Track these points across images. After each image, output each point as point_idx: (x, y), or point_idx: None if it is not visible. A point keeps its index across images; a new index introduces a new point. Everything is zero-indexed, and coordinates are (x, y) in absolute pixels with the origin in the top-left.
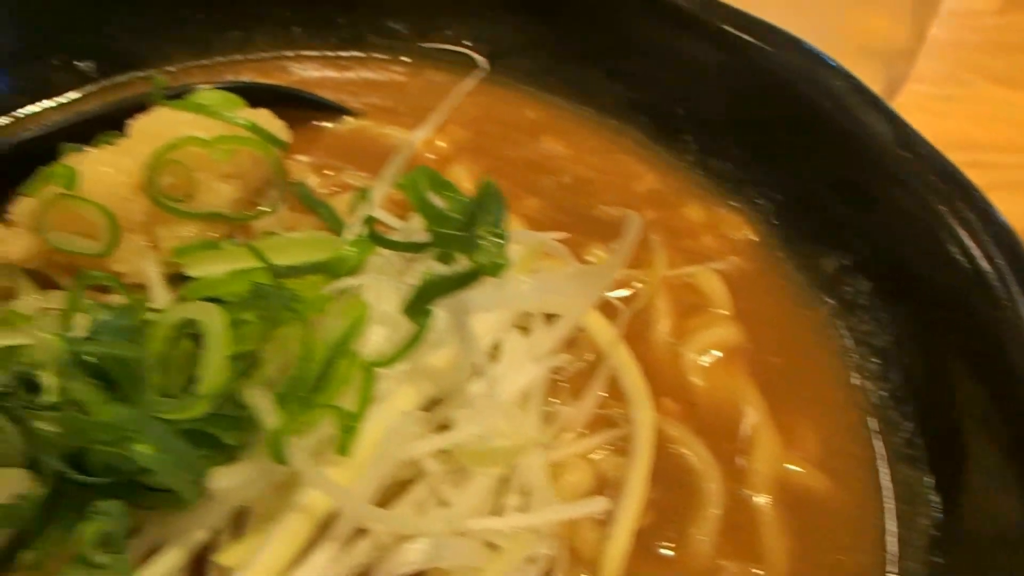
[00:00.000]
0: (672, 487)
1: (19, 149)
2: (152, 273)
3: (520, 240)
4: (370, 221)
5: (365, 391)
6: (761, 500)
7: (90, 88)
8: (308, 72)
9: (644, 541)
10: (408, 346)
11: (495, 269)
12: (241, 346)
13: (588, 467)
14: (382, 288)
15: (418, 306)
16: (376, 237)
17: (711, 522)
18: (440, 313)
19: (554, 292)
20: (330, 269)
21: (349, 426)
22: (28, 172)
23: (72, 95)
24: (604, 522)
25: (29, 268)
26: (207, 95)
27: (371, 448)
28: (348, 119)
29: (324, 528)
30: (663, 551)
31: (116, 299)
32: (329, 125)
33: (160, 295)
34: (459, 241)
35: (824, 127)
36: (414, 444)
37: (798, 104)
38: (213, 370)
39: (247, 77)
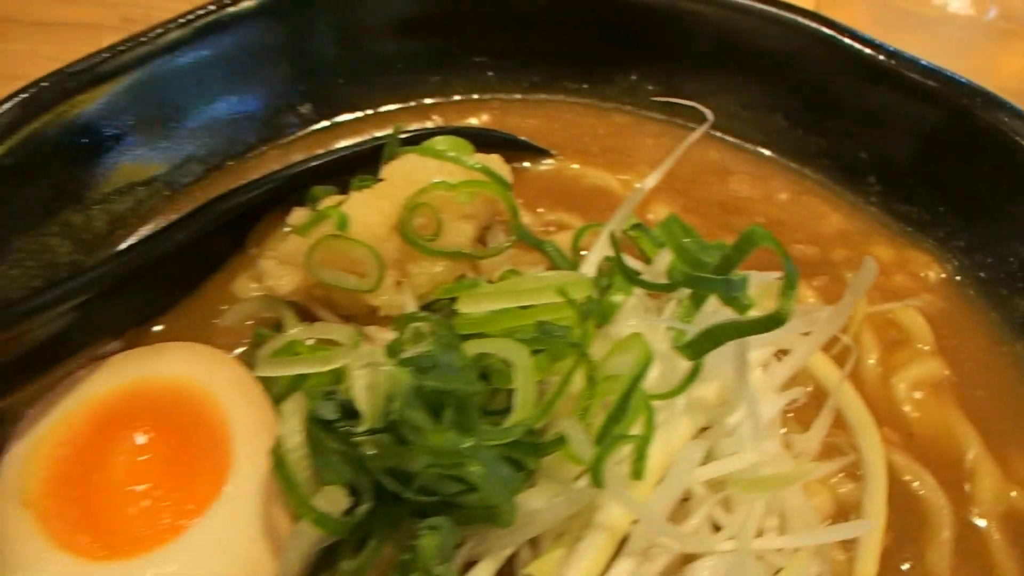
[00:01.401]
0: (903, 511)
1: (266, 190)
2: (410, 306)
3: (753, 282)
4: (620, 263)
5: (650, 422)
6: (988, 525)
7: (309, 128)
8: (502, 115)
9: (886, 561)
10: (687, 381)
11: (783, 317)
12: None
13: (828, 492)
14: (652, 327)
15: (705, 346)
16: (631, 278)
17: (945, 545)
18: (717, 351)
19: (794, 329)
20: (599, 309)
21: (641, 454)
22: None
23: (294, 135)
24: (847, 543)
25: (292, 301)
26: (442, 141)
27: (658, 474)
28: (546, 161)
29: (621, 545)
30: (904, 568)
31: (373, 330)
32: (528, 165)
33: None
34: (715, 284)
35: (1013, 172)
36: (696, 471)
37: (986, 149)
38: (524, 401)
39: (444, 119)
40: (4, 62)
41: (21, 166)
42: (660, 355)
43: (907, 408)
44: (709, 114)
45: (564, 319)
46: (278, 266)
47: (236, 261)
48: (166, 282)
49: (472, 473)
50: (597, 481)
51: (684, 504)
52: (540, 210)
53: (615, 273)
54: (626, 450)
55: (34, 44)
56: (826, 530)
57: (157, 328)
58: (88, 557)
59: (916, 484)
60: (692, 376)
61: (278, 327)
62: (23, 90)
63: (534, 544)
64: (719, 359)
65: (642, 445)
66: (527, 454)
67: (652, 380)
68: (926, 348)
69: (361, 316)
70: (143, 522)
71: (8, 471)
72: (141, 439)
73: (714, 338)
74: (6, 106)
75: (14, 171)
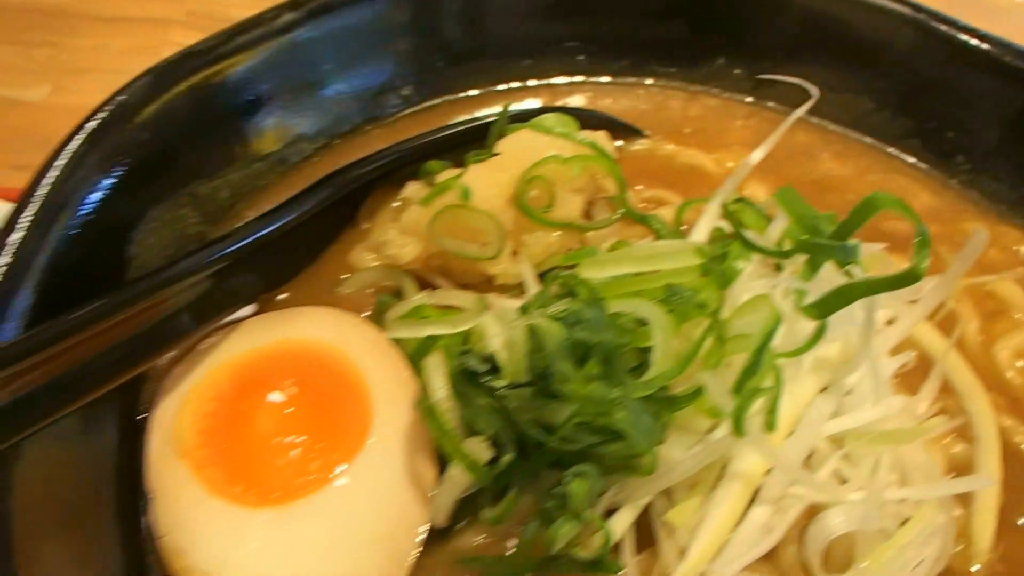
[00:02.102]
0: (1017, 471)
1: (380, 167)
2: (528, 274)
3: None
4: (739, 231)
5: (779, 378)
6: None
7: (410, 109)
8: (594, 97)
9: (1003, 517)
10: (814, 339)
11: (918, 274)
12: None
13: (941, 451)
14: (773, 290)
15: (834, 304)
16: (750, 245)
17: None
18: (839, 312)
19: (901, 298)
20: (718, 276)
21: (773, 407)
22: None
23: (395, 115)
24: (964, 501)
25: (410, 270)
26: (551, 118)
27: (788, 427)
28: (640, 141)
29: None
30: (1020, 523)
31: (491, 297)
32: (622, 145)
33: (534, 292)
34: (833, 250)
35: None
36: (824, 425)
37: None
38: (663, 355)
39: (539, 101)
40: (76, 56)
41: (155, 140)
42: (786, 316)
43: (1010, 374)
44: (815, 90)
45: (687, 283)
46: (400, 235)
47: (350, 234)
48: (289, 252)
49: (619, 420)
50: (738, 429)
51: (808, 460)
52: (638, 187)
53: (729, 242)
54: (758, 404)
55: (104, 39)
56: (949, 483)
57: (282, 297)
58: (242, 504)
59: None
60: (818, 335)
61: (397, 295)
62: (153, 69)
63: (668, 494)
64: (841, 320)
65: (774, 398)
66: (663, 407)
67: (776, 340)
68: None
69: (477, 285)
70: (292, 472)
71: (160, 425)
72: (283, 395)
73: (846, 296)
74: (139, 83)
75: (149, 143)
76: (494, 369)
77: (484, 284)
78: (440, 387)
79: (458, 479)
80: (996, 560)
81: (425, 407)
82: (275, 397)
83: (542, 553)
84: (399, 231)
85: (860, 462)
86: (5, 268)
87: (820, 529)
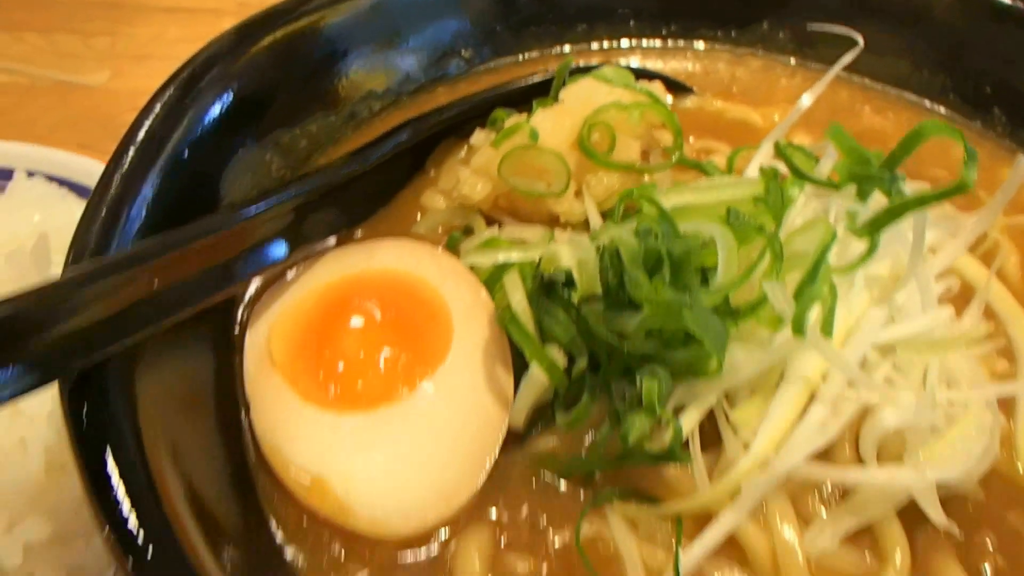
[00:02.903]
0: None
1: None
2: (592, 210)
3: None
4: (791, 163)
5: (833, 289)
6: None
7: (471, 70)
8: (643, 59)
9: None
10: (867, 255)
11: (967, 185)
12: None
13: (985, 366)
14: (828, 213)
15: (886, 220)
16: (803, 175)
17: None
18: (892, 231)
19: (945, 232)
20: (774, 202)
21: (829, 315)
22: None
23: (457, 75)
24: (1008, 411)
25: (480, 210)
26: (610, 70)
27: (843, 335)
28: (690, 98)
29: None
30: None
31: (557, 233)
32: (671, 100)
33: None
34: (883, 180)
35: None
36: (877, 333)
37: None
38: (727, 266)
39: (594, 63)
40: (133, 43)
41: (241, 90)
42: (839, 237)
43: None
44: (859, 39)
45: (746, 209)
46: (471, 176)
47: (419, 181)
48: (365, 193)
49: (690, 321)
50: (798, 329)
51: (861, 368)
52: (690, 139)
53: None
54: (815, 313)
55: (160, 28)
56: (995, 386)
57: (359, 236)
58: (334, 410)
59: None
60: (871, 250)
61: (468, 233)
62: (239, 25)
63: (730, 399)
64: (891, 239)
65: (830, 307)
66: (728, 318)
67: (831, 258)
68: None
69: (543, 224)
70: (379, 381)
71: (254, 343)
72: (368, 314)
73: (896, 212)
74: (226, 39)
75: (236, 93)
76: (569, 283)
77: (550, 223)
78: (520, 299)
79: (537, 381)
80: None
81: (507, 315)
82: (360, 316)
83: (614, 451)
84: (470, 172)
85: (910, 370)
86: (111, 200)
87: (874, 425)
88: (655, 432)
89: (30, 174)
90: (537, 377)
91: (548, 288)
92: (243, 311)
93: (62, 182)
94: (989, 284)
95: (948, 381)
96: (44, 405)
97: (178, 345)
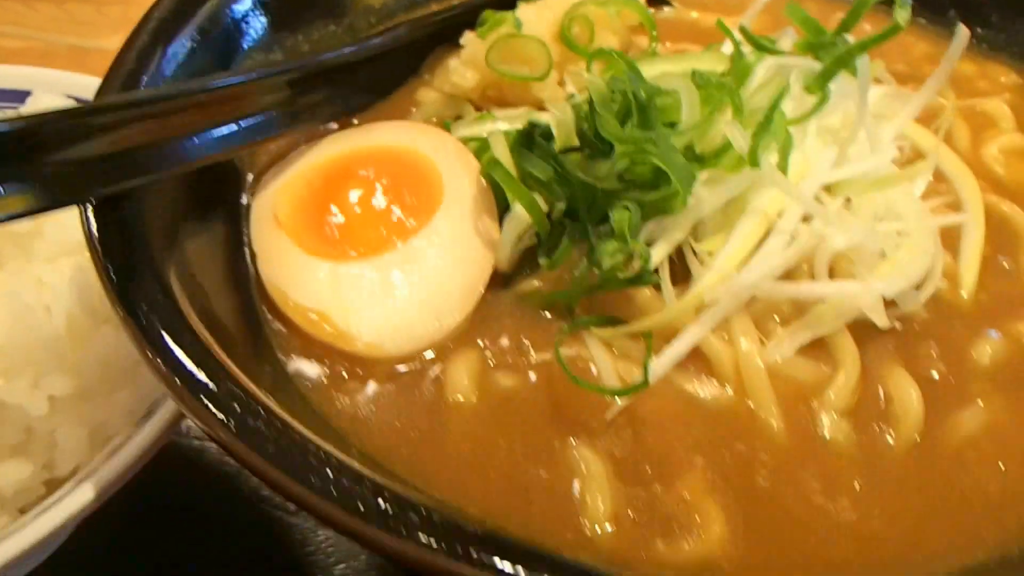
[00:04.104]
0: (999, 230)
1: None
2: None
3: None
4: (751, 36)
5: (788, 138)
6: None
7: None
8: None
9: (988, 263)
10: (817, 106)
11: (901, 26)
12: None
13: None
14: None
15: (835, 70)
16: (762, 47)
17: None
18: (840, 84)
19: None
20: (737, 68)
21: (784, 157)
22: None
23: None
24: (954, 250)
25: (470, 100)
26: None
27: (798, 178)
28: (666, 9)
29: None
30: (1003, 265)
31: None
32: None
33: None
34: (836, 48)
35: None
36: (827, 172)
37: None
38: (691, 112)
39: None
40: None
41: None
42: (793, 95)
43: (997, 168)
44: None
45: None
46: (461, 65)
47: (414, 82)
48: (362, 84)
49: (658, 157)
50: (753, 161)
51: None
52: (666, 43)
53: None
54: (773, 155)
55: None
56: (940, 217)
57: (355, 124)
58: (335, 259)
59: (1007, 209)
60: (821, 102)
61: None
62: None
63: (697, 236)
64: (842, 96)
65: (786, 147)
66: (692, 162)
67: (788, 112)
68: (1010, 127)
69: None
70: (377, 233)
71: (260, 207)
72: (365, 179)
73: (842, 61)
74: None
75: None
76: (548, 137)
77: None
78: (502, 151)
79: (518, 219)
80: (979, 290)
81: (490, 160)
82: (357, 181)
83: (592, 283)
84: (460, 62)
85: (859, 208)
86: (130, 68)
87: (825, 249)
88: (628, 265)
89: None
90: (519, 215)
91: (528, 138)
92: (250, 186)
93: (79, 101)
94: (938, 147)
95: (898, 216)
96: (65, 275)
97: (192, 206)
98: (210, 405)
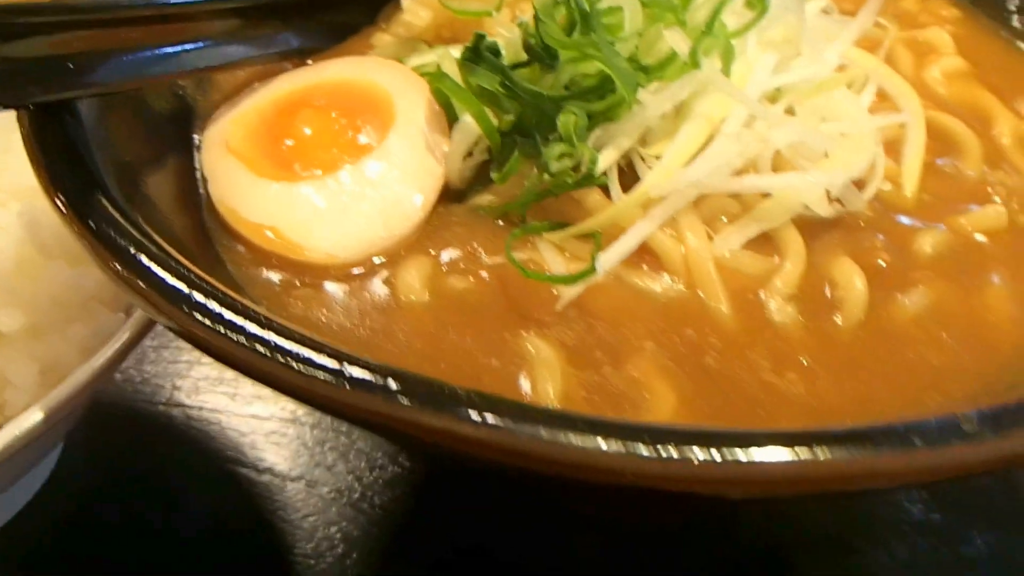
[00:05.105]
0: (940, 139)
1: None
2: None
3: None
4: None
5: (730, 47)
6: (1009, 143)
7: None
8: None
9: (928, 166)
10: (757, 18)
11: None
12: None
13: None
14: None
15: None
16: None
17: (975, 152)
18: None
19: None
20: None
21: (728, 62)
22: None
23: None
24: (896, 156)
25: (424, 40)
26: None
27: (741, 78)
28: None
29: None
30: (943, 169)
31: None
32: None
33: None
34: None
35: None
36: (769, 78)
37: None
38: (632, 21)
39: None
40: None
41: None
42: (735, 10)
43: (939, 89)
44: None
45: None
46: (413, 3)
47: (369, 30)
48: (316, 25)
49: (601, 58)
50: (694, 62)
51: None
52: None
53: None
54: (716, 63)
55: None
56: (881, 117)
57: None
58: (286, 180)
59: (948, 121)
60: (760, 14)
61: None
62: None
63: (645, 144)
64: (783, 8)
65: (727, 54)
66: (637, 71)
67: (730, 26)
68: (951, 52)
69: None
70: (328, 155)
71: (211, 136)
72: (317, 109)
73: None
74: None
75: None
76: (496, 52)
77: None
78: (450, 66)
79: (467, 129)
80: (922, 191)
81: (438, 73)
82: (310, 111)
83: (542, 188)
84: (412, 0)
85: (803, 114)
86: None
87: (770, 148)
88: (578, 172)
89: None
90: (467, 125)
91: (475, 52)
92: (202, 123)
93: None
94: (880, 66)
95: (837, 119)
96: (13, 214)
97: (142, 135)
98: (187, 306)
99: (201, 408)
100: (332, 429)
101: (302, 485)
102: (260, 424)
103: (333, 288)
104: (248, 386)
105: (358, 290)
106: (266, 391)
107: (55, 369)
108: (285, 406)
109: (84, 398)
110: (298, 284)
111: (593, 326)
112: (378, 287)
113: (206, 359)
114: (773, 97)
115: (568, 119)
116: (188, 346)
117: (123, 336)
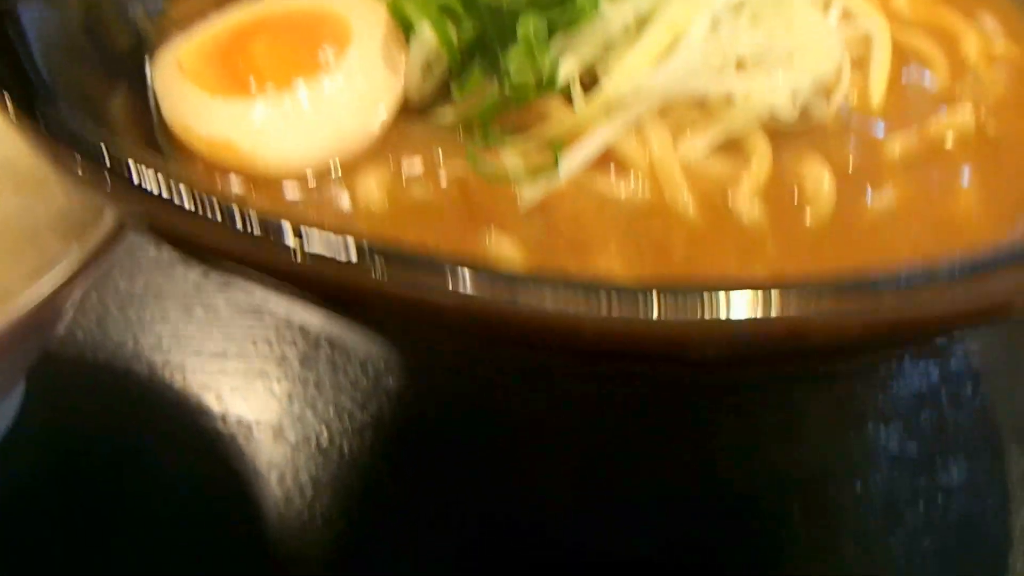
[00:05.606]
0: (902, 52)
1: None
2: None
3: None
4: None
5: None
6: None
7: None
8: None
9: (894, 81)
10: None
11: None
12: None
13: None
14: None
15: None
16: None
17: (942, 73)
18: None
19: None
20: None
21: None
22: None
23: None
24: (864, 71)
25: None
26: None
27: None
28: None
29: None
30: (910, 84)
31: None
32: None
33: None
34: None
35: None
36: None
37: None
38: None
39: None
40: None
41: None
42: None
43: (904, 10)
44: None
45: None
46: None
47: None
48: None
49: None
50: None
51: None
52: None
53: None
54: None
55: None
56: (844, 27)
57: None
58: (240, 97)
59: (912, 37)
60: None
61: None
62: None
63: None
64: None
65: None
66: None
67: None
68: None
69: None
70: (282, 73)
71: (163, 60)
72: (272, 33)
73: None
74: None
75: None
76: None
77: None
78: None
79: (424, 40)
80: (889, 99)
81: None
82: (266, 34)
83: (503, 97)
84: None
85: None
86: None
87: (733, 53)
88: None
89: None
90: (424, 36)
91: None
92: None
93: None
94: None
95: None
96: None
97: (92, 59)
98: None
99: (165, 364)
100: (299, 381)
101: (270, 435)
102: (226, 379)
103: (290, 199)
104: (212, 342)
105: (315, 200)
106: (232, 347)
107: (3, 299)
108: (252, 361)
109: (39, 326)
110: (255, 196)
111: (557, 226)
112: (336, 196)
113: (170, 316)
114: (736, 8)
115: (527, 24)
116: (152, 303)
117: (74, 258)
